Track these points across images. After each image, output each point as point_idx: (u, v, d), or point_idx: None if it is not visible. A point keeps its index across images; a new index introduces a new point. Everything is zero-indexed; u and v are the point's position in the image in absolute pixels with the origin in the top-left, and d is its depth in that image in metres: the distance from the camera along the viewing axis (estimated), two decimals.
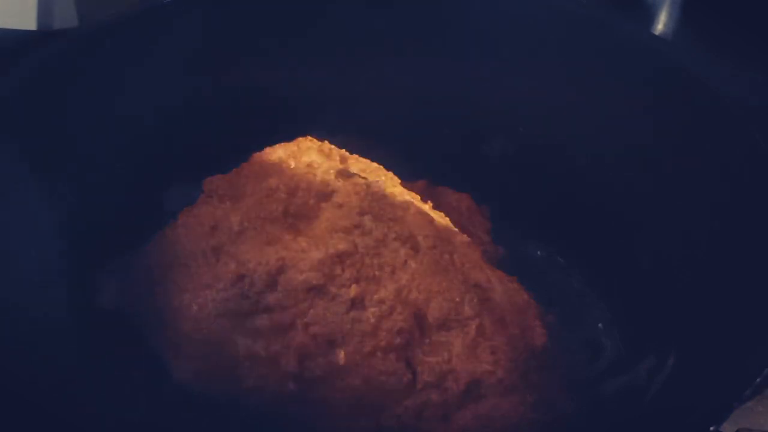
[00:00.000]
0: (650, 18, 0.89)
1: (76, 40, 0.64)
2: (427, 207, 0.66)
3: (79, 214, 0.65)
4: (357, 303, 0.56)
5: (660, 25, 0.89)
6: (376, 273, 0.57)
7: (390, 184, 0.66)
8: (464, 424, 0.55)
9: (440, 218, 0.65)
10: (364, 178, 0.65)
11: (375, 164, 0.68)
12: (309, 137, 0.70)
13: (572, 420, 0.58)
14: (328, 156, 0.68)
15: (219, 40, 0.71)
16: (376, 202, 0.63)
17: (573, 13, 0.69)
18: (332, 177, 0.65)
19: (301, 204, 0.63)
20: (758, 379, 0.49)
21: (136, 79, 0.68)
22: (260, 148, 0.69)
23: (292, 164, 0.66)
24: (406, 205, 0.64)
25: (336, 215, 0.62)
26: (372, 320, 0.56)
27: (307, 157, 0.67)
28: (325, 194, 0.63)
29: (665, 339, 0.63)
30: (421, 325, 0.56)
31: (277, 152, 0.68)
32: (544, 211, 0.76)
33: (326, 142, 0.70)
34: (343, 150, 0.69)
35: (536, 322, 0.60)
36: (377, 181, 0.65)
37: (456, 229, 0.66)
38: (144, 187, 0.70)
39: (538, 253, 0.72)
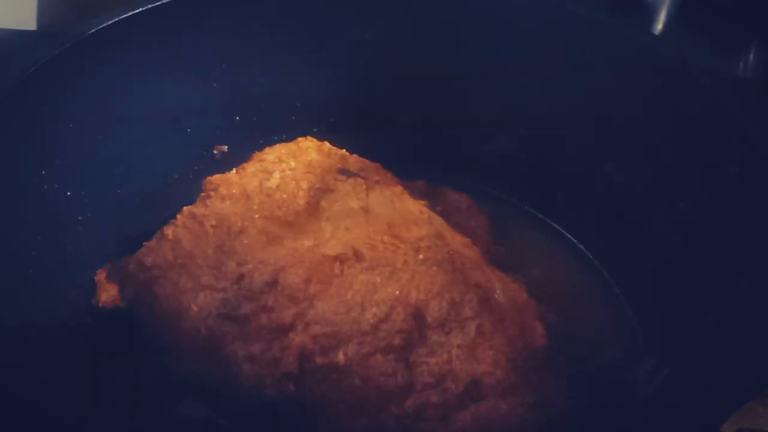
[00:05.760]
0: (650, 18, 0.89)
1: (75, 40, 0.63)
2: (426, 207, 0.66)
3: (78, 213, 0.65)
4: (357, 303, 0.56)
5: (660, 25, 0.89)
6: (376, 273, 0.58)
7: (390, 184, 0.66)
8: (464, 425, 0.55)
9: (440, 218, 0.66)
10: (364, 178, 0.65)
11: (375, 164, 0.68)
12: (309, 137, 0.70)
13: (572, 420, 0.58)
14: (328, 156, 0.68)
15: (219, 40, 0.71)
16: (376, 203, 0.63)
17: (573, 13, 0.69)
18: (332, 177, 0.65)
19: (301, 204, 0.63)
20: (757, 380, 0.49)
21: (136, 79, 0.68)
22: (260, 147, 0.69)
23: (293, 164, 0.66)
24: (406, 206, 0.64)
25: (336, 215, 0.62)
26: (372, 321, 0.56)
27: (307, 156, 0.68)
28: (325, 194, 0.63)
29: (666, 339, 0.63)
30: (421, 325, 0.56)
31: (277, 152, 0.68)
32: (545, 212, 0.76)
33: (326, 142, 0.70)
34: (343, 150, 0.69)
35: (536, 323, 0.60)
36: (377, 181, 0.65)
37: (456, 229, 0.66)
38: (144, 186, 0.70)
39: (539, 253, 0.72)
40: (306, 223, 0.62)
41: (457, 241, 0.63)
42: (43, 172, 0.62)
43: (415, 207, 0.64)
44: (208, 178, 0.65)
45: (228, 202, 0.62)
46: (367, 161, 0.68)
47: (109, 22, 0.65)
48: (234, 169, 0.66)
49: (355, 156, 0.68)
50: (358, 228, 0.61)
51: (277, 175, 0.65)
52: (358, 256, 0.58)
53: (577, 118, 0.71)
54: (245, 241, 0.59)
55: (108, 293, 0.64)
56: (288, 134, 0.71)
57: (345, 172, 0.66)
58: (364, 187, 0.64)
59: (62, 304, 0.62)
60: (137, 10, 0.66)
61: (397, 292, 0.57)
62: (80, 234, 0.65)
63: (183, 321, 0.58)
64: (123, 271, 0.64)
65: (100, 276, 0.65)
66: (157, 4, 0.67)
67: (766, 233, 0.56)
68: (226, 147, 0.75)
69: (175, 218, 0.63)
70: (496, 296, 0.60)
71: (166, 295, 0.59)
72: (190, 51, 0.70)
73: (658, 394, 0.59)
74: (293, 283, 0.57)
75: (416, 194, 0.67)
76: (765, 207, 0.57)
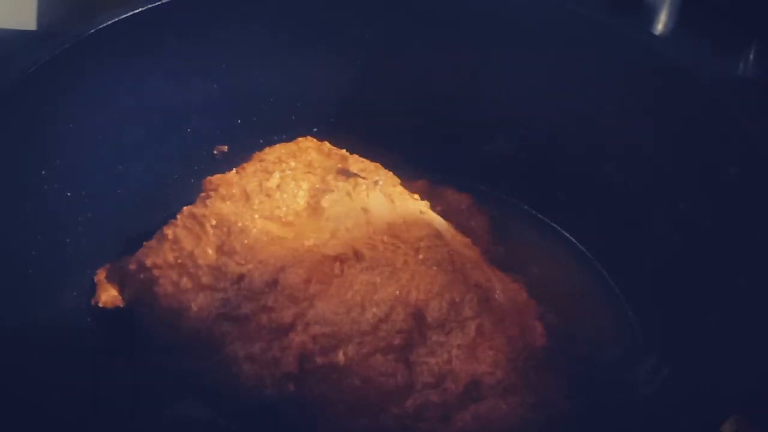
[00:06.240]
0: (650, 18, 0.89)
1: (76, 40, 0.63)
2: (426, 207, 0.66)
3: (78, 213, 0.65)
4: (357, 303, 0.56)
5: (660, 25, 0.89)
6: (376, 273, 0.58)
7: (390, 184, 0.66)
8: (463, 425, 0.55)
9: (440, 218, 0.66)
10: (364, 178, 0.65)
11: (375, 164, 0.68)
12: (309, 137, 0.70)
13: (572, 420, 0.58)
14: (328, 156, 0.68)
15: (219, 40, 0.71)
16: (376, 203, 0.63)
17: (573, 13, 0.69)
18: (332, 177, 0.65)
19: (301, 204, 0.63)
20: (757, 380, 0.49)
21: (136, 79, 0.68)
22: (260, 147, 0.69)
23: (293, 164, 0.66)
24: (406, 206, 0.64)
25: (336, 215, 0.62)
26: (372, 321, 0.56)
27: (307, 156, 0.68)
28: (325, 194, 0.63)
29: (666, 339, 0.63)
30: (421, 325, 0.56)
31: (278, 152, 0.68)
32: (545, 212, 0.76)
33: (326, 142, 0.70)
34: (343, 150, 0.69)
35: (536, 323, 0.60)
36: (377, 181, 0.65)
37: (456, 229, 0.66)
38: (144, 186, 0.70)
39: (539, 253, 0.72)
40: (306, 223, 0.62)
41: (457, 241, 0.63)
42: (43, 172, 0.62)
43: (415, 207, 0.64)
44: (208, 178, 0.65)
45: (228, 202, 0.62)
46: (367, 161, 0.68)
47: (109, 22, 0.65)
48: (234, 169, 0.66)
49: (355, 156, 0.68)
50: (358, 228, 0.61)
51: (277, 175, 0.65)
52: (358, 256, 0.58)
53: (577, 118, 0.71)
54: (245, 241, 0.59)
55: (108, 293, 0.64)
56: (288, 134, 0.71)
57: (345, 172, 0.66)
58: (364, 187, 0.64)
59: (62, 304, 0.62)
60: (137, 10, 0.66)
61: (397, 292, 0.57)
62: (80, 234, 0.65)
63: (183, 321, 0.58)
64: (123, 271, 0.64)
65: (100, 276, 0.65)
66: (157, 4, 0.67)
67: (766, 233, 0.56)
68: (226, 147, 0.75)
69: (175, 218, 0.63)
70: (496, 296, 0.60)
71: (166, 295, 0.59)
72: (190, 51, 0.70)
73: (658, 394, 0.59)
74: (293, 283, 0.57)
75: (416, 194, 0.67)
76: (765, 207, 0.57)
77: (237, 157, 0.70)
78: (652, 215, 0.67)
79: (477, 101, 0.74)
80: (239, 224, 0.60)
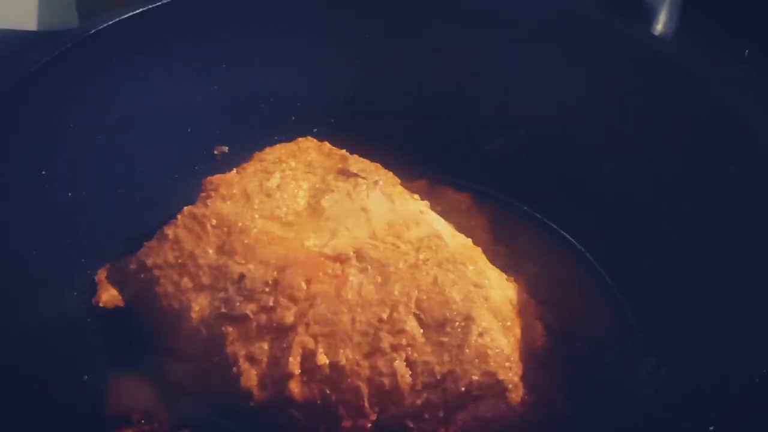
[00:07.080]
0: (650, 18, 0.89)
1: (76, 40, 0.64)
2: (426, 207, 0.66)
3: (79, 213, 0.65)
4: (357, 303, 0.56)
5: (660, 25, 0.89)
6: (377, 273, 0.58)
7: (390, 183, 0.66)
8: (464, 425, 0.55)
9: (440, 218, 0.66)
10: (364, 178, 0.65)
11: (375, 164, 0.68)
12: (309, 137, 0.70)
13: (572, 420, 0.58)
14: (328, 156, 0.68)
15: (219, 40, 0.71)
16: (376, 203, 0.63)
17: (573, 14, 0.69)
18: (332, 177, 0.65)
19: (301, 204, 0.63)
20: (757, 380, 0.49)
21: (136, 79, 0.68)
22: (260, 147, 0.69)
23: (293, 164, 0.66)
24: (406, 206, 0.64)
25: (336, 215, 0.62)
26: (372, 321, 0.56)
27: (308, 156, 0.68)
28: (325, 194, 0.63)
29: (666, 339, 0.63)
30: (421, 325, 0.56)
31: (278, 152, 0.68)
32: (545, 212, 0.76)
33: (326, 142, 0.70)
34: (343, 150, 0.69)
35: (536, 322, 0.60)
36: (377, 181, 0.65)
37: (456, 229, 0.66)
38: (145, 186, 0.70)
39: (539, 253, 0.72)
40: (306, 223, 0.62)
41: (457, 241, 0.63)
42: (44, 172, 0.62)
43: (415, 207, 0.64)
44: (209, 178, 0.65)
45: (228, 202, 0.63)
46: (367, 161, 0.68)
47: (110, 23, 0.65)
48: (234, 169, 0.66)
49: (355, 156, 0.68)
50: (359, 228, 0.61)
51: (277, 175, 0.65)
52: (358, 256, 0.58)
53: (577, 118, 0.71)
54: (245, 241, 0.60)
55: (108, 293, 0.64)
56: (288, 134, 0.71)
57: (345, 172, 0.66)
58: (364, 187, 0.64)
59: (62, 304, 0.63)
60: (137, 11, 0.66)
61: (397, 291, 0.57)
62: (81, 234, 0.65)
63: (183, 321, 0.58)
64: (123, 271, 0.64)
65: (101, 276, 0.65)
66: (158, 4, 0.67)
67: (766, 233, 0.56)
68: (227, 147, 0.75)
69: (176, 218, 0.63)
70: (496, 296, 0.60)
71: (167, 295, 0.60)
72: (190, 51, 0.70)
73: (658, 394, 0.59)
74: (294, 283, 0.57)
75: (416, 194, 0.67)
76: (765, 207, 0.57)
77: (237, 157, 0.70)
78: (652, 215, 0.67)
79: (477, 101, 0.75)
80: (239, 224, 0.61)
